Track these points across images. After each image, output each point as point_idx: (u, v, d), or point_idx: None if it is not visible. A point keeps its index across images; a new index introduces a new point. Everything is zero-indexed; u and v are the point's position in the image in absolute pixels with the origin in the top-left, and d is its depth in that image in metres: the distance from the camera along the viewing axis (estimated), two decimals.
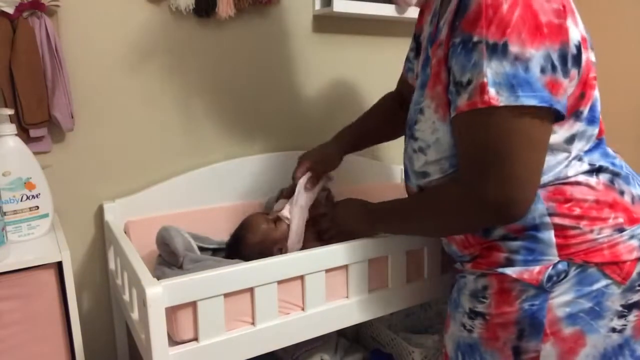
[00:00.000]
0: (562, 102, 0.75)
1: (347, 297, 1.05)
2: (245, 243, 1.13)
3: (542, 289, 0.81)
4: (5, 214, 0.97)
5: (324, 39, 1.53)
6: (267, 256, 0.98)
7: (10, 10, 1.06)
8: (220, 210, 1.37)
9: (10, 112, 1.01)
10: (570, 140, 0.82)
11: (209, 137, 1.39)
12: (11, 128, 1.00)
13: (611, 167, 0.84)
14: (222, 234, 1.24)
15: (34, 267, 0.91)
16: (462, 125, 0.80)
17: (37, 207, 1.02)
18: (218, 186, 1.39)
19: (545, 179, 0.81)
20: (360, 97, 1.63)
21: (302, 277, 0.98)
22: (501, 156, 0.76)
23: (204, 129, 1.39)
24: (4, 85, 1.09)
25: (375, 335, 1.54)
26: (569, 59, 0.75)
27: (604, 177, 0.83)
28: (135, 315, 1.03)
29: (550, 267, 0.81)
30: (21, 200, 1.00)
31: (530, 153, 0.76)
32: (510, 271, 0.84)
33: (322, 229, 1.14)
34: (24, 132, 1.12)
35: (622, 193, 0.84)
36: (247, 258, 1.01)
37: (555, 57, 0.73)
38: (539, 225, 0.82)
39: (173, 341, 0.90)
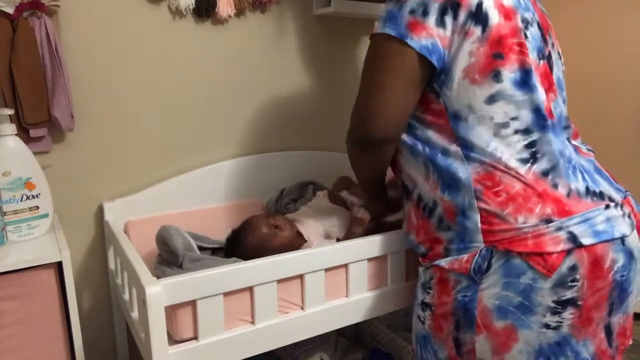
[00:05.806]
0: (421, 43, 0.83)
1: (346, 296, 1.05)
2: (244, 245, 1.13)
3: (472, 279, 0.83)
4: (5, 214, 0.97)
5: (324, 39, 1.53)
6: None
7: (10, 10, 1.07)
8: (220, 210, 1.37)
9: (10, 112, 1.01)
10: (490, 100, 0.83)
11: (208, 136, 1.40)
12: (11, 128, 1.00)
13: (550, 158, 0.84)
14: (221, 234, 1.24)
15: (34, 267, 0.91)
16: None
17: (37, 207, 1.03)
18: (218, 186, 1.39)
19: (477, 153, 0.83)
20: None
21: (301, 276, 0.98)
22: (363, 76, 0.90)
23: (204, 129, 1.39)
24: (4, 85, 1.09)
25: (374, 335, 1.54)
26: (461, 14, 0.82)
27: (537, 168, 0.83)
28: (135, 314, 1.03)
29: (477, 255, 0.83)
30: (21, 200, 1.00)
31: (383, 77, 0.85)
32: (444, 262, 0.87)
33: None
34: (24, 132, 1.12)
35: (555, 185, 0.83)
36: (245, 258, 1.01)
37: (433, 7, 0.83)
38: (467, 208, 0.84)
39: (173, 340, 0.90)
